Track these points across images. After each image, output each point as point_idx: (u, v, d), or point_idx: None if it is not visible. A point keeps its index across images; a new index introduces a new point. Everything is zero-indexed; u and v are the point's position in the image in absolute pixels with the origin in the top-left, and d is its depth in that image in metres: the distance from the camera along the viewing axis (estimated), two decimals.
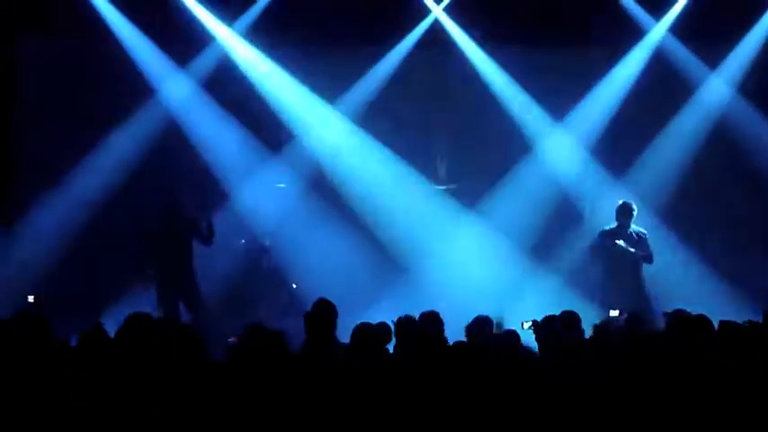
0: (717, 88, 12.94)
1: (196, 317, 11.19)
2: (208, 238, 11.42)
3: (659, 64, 12.96)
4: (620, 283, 11.11)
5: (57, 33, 12.53)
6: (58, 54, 12.72)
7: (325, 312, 7.44)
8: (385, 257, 12.94)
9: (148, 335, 6.27)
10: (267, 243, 12.87)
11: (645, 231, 11.41)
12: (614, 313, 9.00)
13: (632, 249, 11.14)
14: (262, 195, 12.86)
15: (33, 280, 12.10)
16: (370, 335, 6.71)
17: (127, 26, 12.67)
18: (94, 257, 12.50)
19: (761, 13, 12.80)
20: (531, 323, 7.51)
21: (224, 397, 5.73)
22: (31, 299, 7.41)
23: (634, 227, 11.35)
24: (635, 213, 11.33)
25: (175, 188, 12.04)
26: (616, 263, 11.19)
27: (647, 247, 11.31)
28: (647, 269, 11.32)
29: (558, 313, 7.55)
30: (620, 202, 11.45)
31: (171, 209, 11.50)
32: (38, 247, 12.43)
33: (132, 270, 11.41)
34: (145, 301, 11.07)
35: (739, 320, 6.94)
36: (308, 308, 7.68)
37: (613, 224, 11.37)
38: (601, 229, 11.46)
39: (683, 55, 12.94)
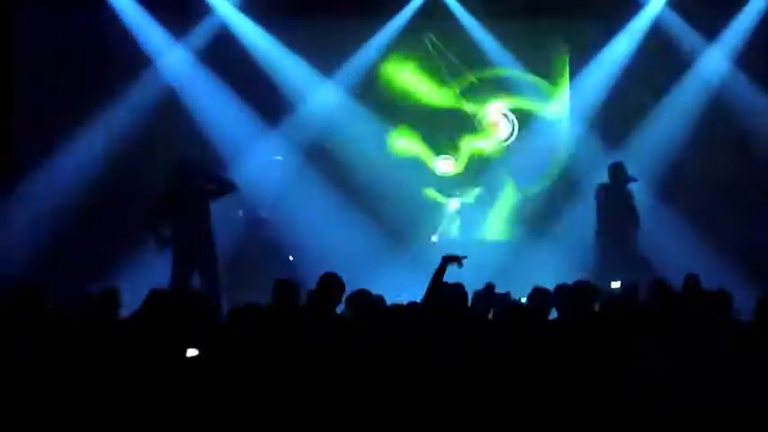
0: (715, 60, 12.94)
1: (210, 288, 10.40)
2: (222, 185, 10.80)
3: (657, 36, 12.94)
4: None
5: (54, 2, 12.47)
6: (55, 23, 12.68)
7: (331, 287, 7.29)
8: (385, 230, 12.97)
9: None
10: (264, 215, 12.87)
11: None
12: (615, 284, 8.82)
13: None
14: (259, 167, 12.86)
15: (34, 245, 12.11)
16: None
17: None
18: (94, 224, 12.50)
19: None
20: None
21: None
22: None
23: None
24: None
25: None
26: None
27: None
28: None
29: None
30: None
31: (181, 166, 10.75)
32: (38, 213, 12.40)
33: (145, 232, 10.71)
34: (152, 267, 10.99)
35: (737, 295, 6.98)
36: (307, 280, 7.65)
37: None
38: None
39: (680, 27, 12.93)
